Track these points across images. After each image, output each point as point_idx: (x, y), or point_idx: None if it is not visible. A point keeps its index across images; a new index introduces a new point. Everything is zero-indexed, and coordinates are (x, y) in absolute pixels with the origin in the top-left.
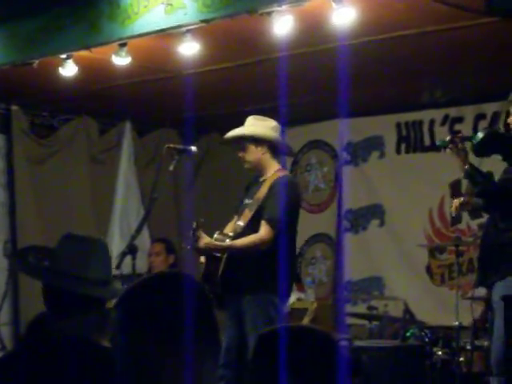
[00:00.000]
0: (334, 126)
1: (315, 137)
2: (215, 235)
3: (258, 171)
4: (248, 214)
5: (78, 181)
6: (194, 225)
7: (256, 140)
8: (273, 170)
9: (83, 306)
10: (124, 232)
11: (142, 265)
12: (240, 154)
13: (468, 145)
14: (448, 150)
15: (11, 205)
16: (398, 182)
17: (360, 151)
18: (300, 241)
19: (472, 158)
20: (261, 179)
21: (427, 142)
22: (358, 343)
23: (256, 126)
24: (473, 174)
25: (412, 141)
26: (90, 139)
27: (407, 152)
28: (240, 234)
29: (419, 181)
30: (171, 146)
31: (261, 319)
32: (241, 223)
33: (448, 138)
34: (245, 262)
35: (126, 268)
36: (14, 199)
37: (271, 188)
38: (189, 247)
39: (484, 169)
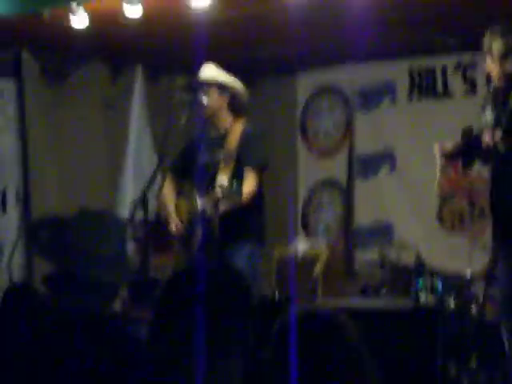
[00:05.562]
0: (346, 71)
1: (326, 82)
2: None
3: (213, 121)
4: (227, 168)
5: (90, 126)
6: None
7: (223, 87)
8: (230, 121)
9: (92, 290)
10: (137, 177)
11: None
12: (204, 99)
13: None
14: None
15: (23, 152)
16: (410, 128)
17: (372, 97)
18: (308, 186)
19: None
20: (215, 134)
21: (440, 88)
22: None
23: (224, 74)
24: None
25: (424, 87)
26: (102, 84)
27: (419, 99)
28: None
29: (431, 127)
30: (183, 97)
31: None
32: (224, 178)
33: None
34: (235, 215)
35: (138, 215)
36: (26, 146)
37: (246, 136)
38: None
39: None
